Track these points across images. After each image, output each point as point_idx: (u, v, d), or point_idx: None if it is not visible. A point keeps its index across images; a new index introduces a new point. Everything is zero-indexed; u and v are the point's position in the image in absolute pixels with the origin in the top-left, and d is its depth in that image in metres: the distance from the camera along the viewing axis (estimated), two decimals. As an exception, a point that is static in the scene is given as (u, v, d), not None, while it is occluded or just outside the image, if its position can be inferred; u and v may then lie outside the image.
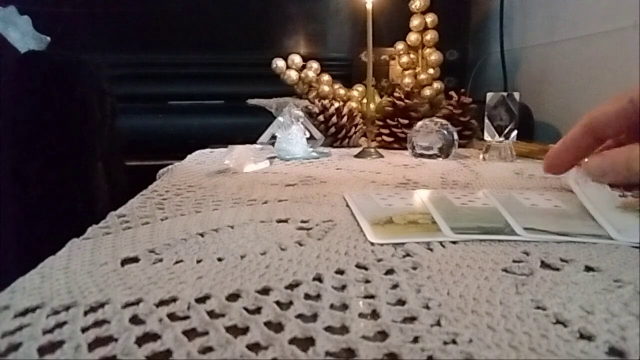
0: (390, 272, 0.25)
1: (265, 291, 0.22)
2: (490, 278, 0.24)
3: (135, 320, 0.20)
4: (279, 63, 0.98)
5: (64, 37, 1.01)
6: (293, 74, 0.98)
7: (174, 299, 0.21)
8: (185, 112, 1.04)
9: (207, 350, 0.17)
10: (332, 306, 0.21)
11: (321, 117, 0.87)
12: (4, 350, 0.17)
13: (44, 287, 0.22)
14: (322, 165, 0.64)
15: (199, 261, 0.26)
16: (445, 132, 0.70)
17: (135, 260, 0.27)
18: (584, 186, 0.38)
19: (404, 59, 0.99)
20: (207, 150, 0.81)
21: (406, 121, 0.82)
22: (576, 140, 0.39)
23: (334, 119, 0.86)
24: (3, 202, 0.69)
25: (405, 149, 0.75)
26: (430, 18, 0.96)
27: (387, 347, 0.17)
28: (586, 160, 0.39)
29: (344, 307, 0.21)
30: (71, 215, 0.71)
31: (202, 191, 0.46)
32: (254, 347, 0.18)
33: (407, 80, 0.96)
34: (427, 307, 0.20)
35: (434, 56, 0.98)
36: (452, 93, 0.87)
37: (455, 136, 0.70)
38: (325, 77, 0.99)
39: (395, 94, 0.86)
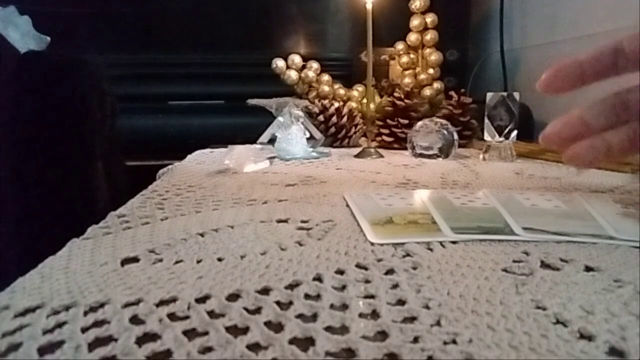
0: (390, 272, 0.25)
1: (265, 291, 0.22)
2: (490, 278, 0.24)
3: (135, 320, 0.20)
4: (279, 63, 0.98)
5: (64, 37, 1.01)
6: (293, 74, 0.98)
7: (174, 299, 0.21)
8: (185, 112, 1.04)
9: (207, 350, 0.17)
10: (332, 306, 0.21)
11: (321, 117, 0.87)
12: (4, 350, 0.17)
13: (44, 287, 0.22)
14: (322, 165, 0.64)
15: (199, 261, 0.26)
16: (445, 132, 0.70)
17: (135, 260, 0.27)
18: (588, 197, 0.40)
19: (404, 59, 0.99)
20: (207, 150, 0.81)
21: (406, 121, 0.82)
22: (598, 58, 0.34)
23: (334, 119, 0.86)
24: (3, 202, 0.69)
25: (405, 149, 0.75)
26: (430, 18, 0.96)
27: (387, 347, 0.17)
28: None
29: (344, 307, 0.21)
30: (71, 215, 0.71)
31: (202, 191, 0.46)
32: (254, 347, 0.18)
33: (407, 80, 0.96)
34: (427, 307, 0.20)
35: (434, 56, 0.98)
36: (452, 93, 0.87)
37: (455, 136, 0.70)
38: (325, 77, 0.99)
39: (395, 94, 0.86)
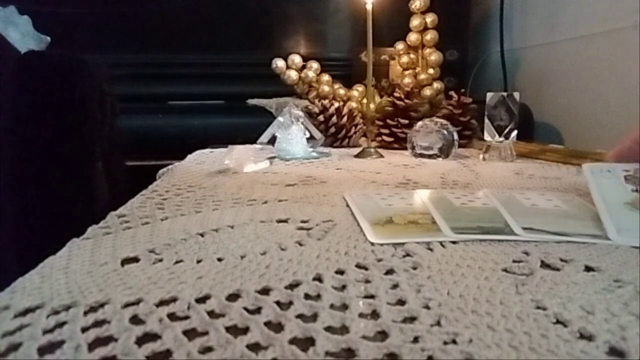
0: (390, 272, 0.25)
1: (265, 291, 0.22)
2: (490, 278, 0.24)
3: (135, 320, 0.20)
4: (279, 63, 0.98)
5: (64, 37, 1.01)
6: (293, 74, 0.98)
7: (174, 299, 0.21)
8: (185, 112, 1.04)
9: (207, 350, 0.17)
10: (332, 306, 0.21)
11: (321, 117, 0.87)
12: (4, 350, 0.17)
13: (44, 287, 0.22)
14: (322, 165, 0.64)
15: (199, 261, 0.26)
16: (445, 132, 0.70)
17: (135, 260, 0.27)
18: (600, 177, 0.37)
19: (404, 59, 0.99)
20: (207, 150, 0.81)
21: (406, 121, 0.82)
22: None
23: (334, 119, 0.86)
24: (3, 202, 0.69)
25: (405, 149, 0.75)
26: (430, 18, 0.96)
27: (387, 347, 0.17)
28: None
29: (344, 307, 0.21)
30: (71, 215, 0.71)
31: (202, 191, 0.46)
32: (254, 347, 0.18)
33: (407, 80, 0.96)
34: (427, 307, 0.20)
35: (434, 56, 0.98)
36: (452, 93, 0.87)
37: (455, 136, 0.70)
38: (325, 77, 0.99)
39: (395, 94, 0.86)
